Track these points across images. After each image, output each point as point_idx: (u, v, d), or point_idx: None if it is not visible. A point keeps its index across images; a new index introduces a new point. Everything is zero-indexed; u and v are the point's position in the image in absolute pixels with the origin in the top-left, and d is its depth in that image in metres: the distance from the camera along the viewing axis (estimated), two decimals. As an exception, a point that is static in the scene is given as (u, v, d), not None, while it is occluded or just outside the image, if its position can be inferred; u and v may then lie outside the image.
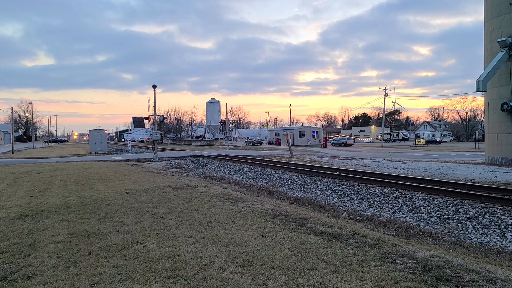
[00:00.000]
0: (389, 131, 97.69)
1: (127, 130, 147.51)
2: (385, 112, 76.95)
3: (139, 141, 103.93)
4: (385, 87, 64.92)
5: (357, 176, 16.64)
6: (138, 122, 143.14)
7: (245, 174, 20.95)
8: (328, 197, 13.77)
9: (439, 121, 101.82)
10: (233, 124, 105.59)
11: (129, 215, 7.59)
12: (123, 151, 49.10)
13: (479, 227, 9.18)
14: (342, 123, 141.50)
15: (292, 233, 6.11)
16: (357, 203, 12.55)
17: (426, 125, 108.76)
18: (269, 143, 67.06)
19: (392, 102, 70.52)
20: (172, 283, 4.11)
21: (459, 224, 9.54)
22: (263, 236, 5.91)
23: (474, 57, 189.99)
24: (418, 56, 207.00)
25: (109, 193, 10.53)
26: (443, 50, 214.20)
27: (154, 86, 29.04)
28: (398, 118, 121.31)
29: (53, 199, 9.83)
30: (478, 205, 10.51)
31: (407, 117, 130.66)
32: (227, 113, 73.25)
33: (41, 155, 36.70)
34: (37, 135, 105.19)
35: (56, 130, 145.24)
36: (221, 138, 65.64)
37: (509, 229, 8.80)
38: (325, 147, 55.89)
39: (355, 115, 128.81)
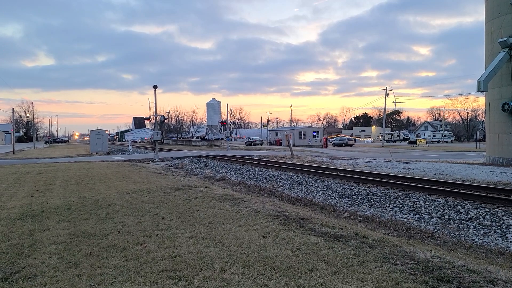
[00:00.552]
0: (390, 132, 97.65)
1: (128, 131, 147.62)
2: (386, 113, 76.91)
3: (140, 142, 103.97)
4: (386, 88, 64.85)
5: (358, 176, 16.63)
6: (139, 122, 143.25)
7: (246, 174, 20.95)
8: (329, 198, 13.76)
9: (440, 121, 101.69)
10: (234, 124, 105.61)
11: (129, 216, 7.59)
12: (124, 151, 49.14)
13: (480, 228, 9.16)
14: (343, 124, 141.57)
15: (293, 233, 6.11)
16: (358, 204, 12.54)
17: (427, 126, 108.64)
18: (270, 144, 67.07)
19: (393, 102, 70.57)
20: (173, 284, 4.11)
21: (460, 225, 9.53)
22: (264, 236, 5.91)
23: (474, 58, 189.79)
24: (418, 57, 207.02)
25: (110, 194, 10.53)
26: (443, 51, 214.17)
27: (155, 87, 29.07)
28: (399, 118, 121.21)
29: (54, 199, 9.84)
30: (479, 206, 10.49)
31: (408, 117, 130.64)
32: (227, 114, 73.42)
33: (42, 156, 36.73)
34: (38, 136, 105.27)
35: (57, 131, 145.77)
36: (222, 139, 65.66)
37: (510, 229, 8.78)
38: (326, 147, 55.87)
39: (356, 116, 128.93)
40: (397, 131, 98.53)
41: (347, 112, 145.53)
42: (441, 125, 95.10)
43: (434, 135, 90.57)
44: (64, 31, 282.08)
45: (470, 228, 9.25)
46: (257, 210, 8.16)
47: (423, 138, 72.57)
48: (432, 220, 10.13)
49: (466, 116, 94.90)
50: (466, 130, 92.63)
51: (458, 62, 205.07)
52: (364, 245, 5.51)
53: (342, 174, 17.48)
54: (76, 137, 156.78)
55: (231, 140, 71.56)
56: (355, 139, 74.53)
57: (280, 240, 5.70)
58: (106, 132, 49.22)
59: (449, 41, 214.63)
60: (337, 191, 14.43)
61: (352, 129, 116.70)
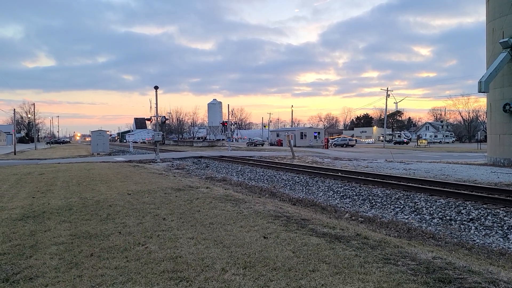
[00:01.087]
0: (391, 132, 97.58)
1: (129, 131, 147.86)
2: (387, 113, 76.85)
3: (141, 142, 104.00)
4: (387, 88, 64.93)
5: (359, 177, 16.61)
6: (140, 123, 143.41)
7: (247, 175, 20.95)
8: (330, 198, 13.75)
9: (441, 122, 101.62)
10: (235, 125, 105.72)
11: (131, 217, 7.60)
12: (125, 152, 49.16)
13: (481, 229, 9.14)
14: (344, 124, 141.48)
15: (294, 234, 6.10)
16: (359, 204, 12.52)
17: (428, 126, 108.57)
18: (271, 144, 67.05)
19: (394, 102, 70.50)
20: (174, 285, 4.11)
21: (461, 226, 9.51)
22: (265, 237, 5.91)
23: (475, 58, 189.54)
24: (419, 57, 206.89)
25: (111, 195, 10.54)
26: (444, 51, 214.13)
27: (156, 88, 29.09)
28: (400, 119, 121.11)
29: (55, 200, 9.85)
30: (480, 206, 10.47)
31: (409, 118, 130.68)
32: (228, 114, 73.54)
33: (43, 156, 36.77)
34: (39, 136, 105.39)
35: (58, 131, 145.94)
36: (223, 139, 65.63)
37: (512, 230, 8.76)
38: (327, 148, 55.83)
39: (357, 116, 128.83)
40: (398, 132, 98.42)
41: (348, 112, 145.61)
42: (442, 126, 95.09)
43: (435, 136, 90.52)
44: (65, 32, 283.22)
45: (471, 228, 9.23)
46: (258, 210, 8.16)
47: (424, 139, 72.44)
48: (433, 220, 10.11)
49: (467, 116, 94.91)
50: (467, 131, 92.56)
51: (459, 63, 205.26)
52: (365, 246, 5.50)
53: (343, 175, 17.47)
54: (78, 137, 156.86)
55: (232, 141, 71.61)
56: (356, 140, 74.52)
57: (281, 241, 5.70)
58: (107, 132, 49.31)
59: (450, 41, 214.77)
60: (338, 192, 14.42)
61: (353, 129, 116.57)
